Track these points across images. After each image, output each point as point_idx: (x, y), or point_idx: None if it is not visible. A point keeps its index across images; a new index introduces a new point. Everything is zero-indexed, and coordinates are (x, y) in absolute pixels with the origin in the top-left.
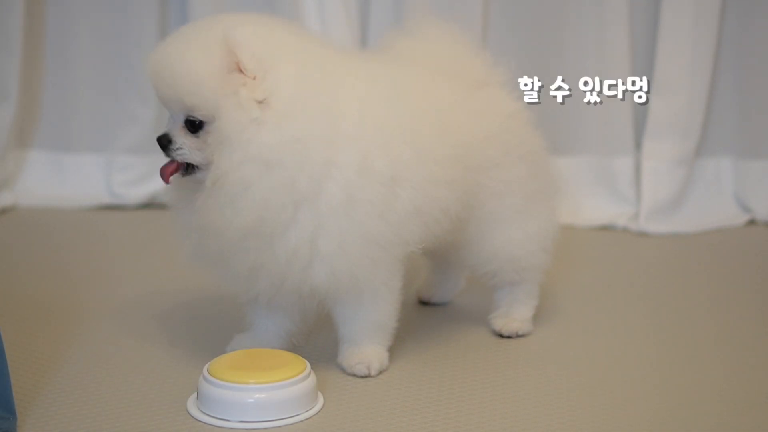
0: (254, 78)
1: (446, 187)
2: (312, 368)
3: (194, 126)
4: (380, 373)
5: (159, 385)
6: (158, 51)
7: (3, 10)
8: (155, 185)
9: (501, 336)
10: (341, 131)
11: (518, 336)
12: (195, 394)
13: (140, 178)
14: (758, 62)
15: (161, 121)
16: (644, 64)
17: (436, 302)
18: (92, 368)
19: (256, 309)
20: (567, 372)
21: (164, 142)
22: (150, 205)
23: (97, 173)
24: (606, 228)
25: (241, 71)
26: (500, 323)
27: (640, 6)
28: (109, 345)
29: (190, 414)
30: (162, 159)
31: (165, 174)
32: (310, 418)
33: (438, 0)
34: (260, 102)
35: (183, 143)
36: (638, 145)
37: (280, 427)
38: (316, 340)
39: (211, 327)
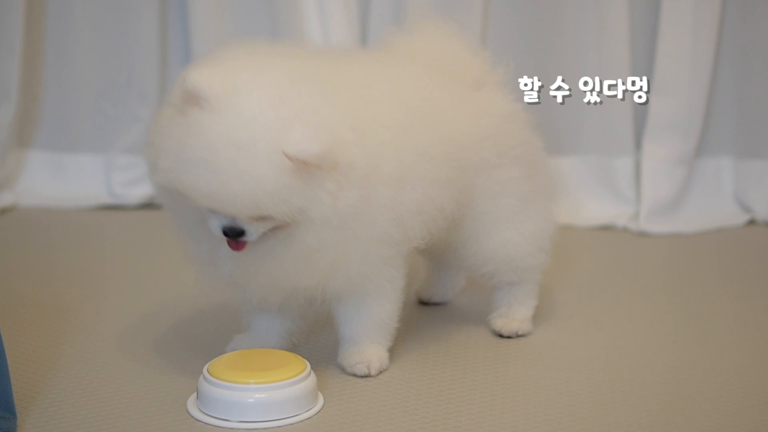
0: (318, 166)
1: (441, 185)
2: (312, 368)
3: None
4: (380, 373)
5: (159, 385)
6: (203, 159)
7: (3, 9)
8: None
9: (501, 336)
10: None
11: (518, 336)
12: (195, 394)
13: (140, 178)
14: (758, 62)
15: None
16: (644, 64)
17: (436, 302)
18: (92, 368)
19: (256, 309)
20: (567, 372)
21: (235, 234)
22: (150, 205)
23: (97, 173)
24: (606, 228)
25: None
26: (500, 323)
27: (640, 6)
28: (109, 345)
29: (190, 414)
30: None
31: (238, 250)
32: (310, 418)
33: None
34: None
35: (255, 230)
36: (638, 145)
37: (280, 427)
38: (316, 340)
39: (211, 327)
